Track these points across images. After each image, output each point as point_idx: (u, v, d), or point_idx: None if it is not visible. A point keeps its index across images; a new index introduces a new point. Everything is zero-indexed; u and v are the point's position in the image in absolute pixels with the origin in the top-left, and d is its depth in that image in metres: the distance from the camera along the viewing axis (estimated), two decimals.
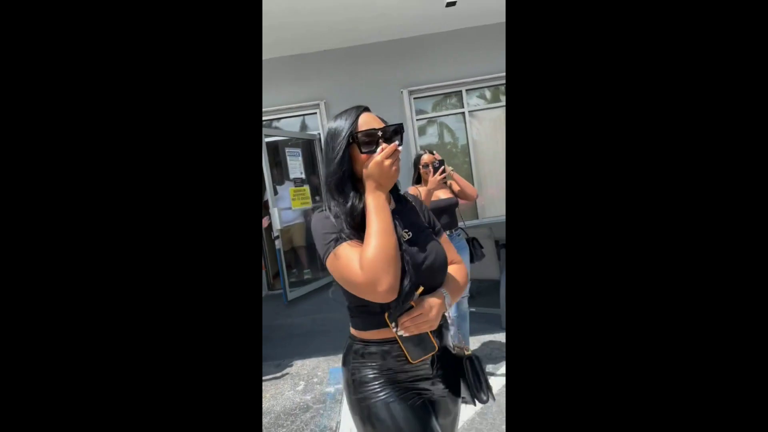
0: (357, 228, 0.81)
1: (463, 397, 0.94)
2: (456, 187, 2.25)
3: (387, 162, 0.79)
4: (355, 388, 0.86)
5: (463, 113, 4.58)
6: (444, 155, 4.58)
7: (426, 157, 2.16)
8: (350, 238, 0.79)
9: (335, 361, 2.82)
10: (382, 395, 0.84)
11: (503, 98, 4.58)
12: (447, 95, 4.61)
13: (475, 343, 2.71)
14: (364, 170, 0.81)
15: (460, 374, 0.92)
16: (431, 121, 4.67)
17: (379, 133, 0.83)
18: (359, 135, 0.83)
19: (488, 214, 4.61)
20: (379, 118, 0.88)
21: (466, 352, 0.93)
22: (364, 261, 0.74)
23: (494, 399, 0.92)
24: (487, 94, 4.65)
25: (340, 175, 0.84)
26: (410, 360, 0.83)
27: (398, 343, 0.83)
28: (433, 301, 0.84)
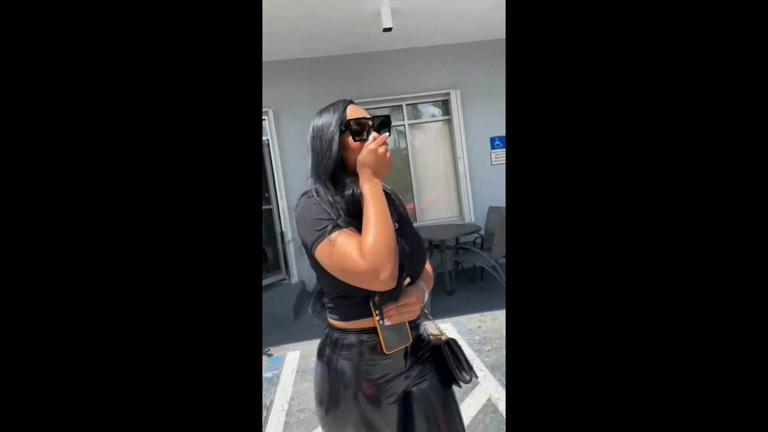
0: (354, 216, 0.79)
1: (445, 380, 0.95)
2: None
3: (381, 149, 0.79)
4: (330, 379, 0.85)
5: (404, 125, 4.98)
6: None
7: None
8: (346, 226, 0.77)
9: (277, 351, 3.05)
10: (352, 389, 0.83)
11: (442, 113, 5.04)
12: (395, 107, 4.99)
13: None
14: (359, 158, 0.80)
15: (442, 360, 0.91)
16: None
17: (370, 123, 0.85)
18: (352, 123, 0.83)
19: (427, 217, 5.02)
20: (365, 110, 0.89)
21: (443, 338, 0.94)
22: (366, 249, 0.72)
23: (476, 377, 0.92)
24: (429, 108, 5.09)
25: (333, 164, 0.83)
26: (384, 350, 0.82)
27: (377, 332, 0.82)
28: (416, 291, 0.85)
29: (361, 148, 0.82)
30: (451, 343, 0.93)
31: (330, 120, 0.84)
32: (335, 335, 0.87)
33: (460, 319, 3.23)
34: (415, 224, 4.69)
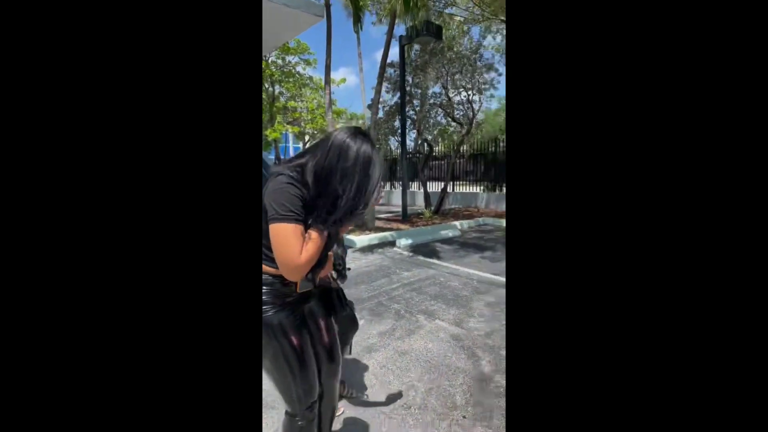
0: (305, 221, 0.95)
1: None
2: None
3: None
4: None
5: None
6: None
7: None
8: (302, 224, 0.93)
9: None
10: (277, 313, 1.04)
11: None
12: None
13: None
14: None
15: (329, 297, 1.28)
16: None
17: None
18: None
19: None
20: None
21: (334, 286, 1.32)
22: (307, 253, 0.91)
23: (351, 308, 1.35)
24: None
25: (355, 204, 0.95)
26: (297, 290, 1.08)
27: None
28: (330, 259, 1.17)
29: None
30: (340, 290, 1.33)
31: (376, 171, 0.97)
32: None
33: None
34: None
